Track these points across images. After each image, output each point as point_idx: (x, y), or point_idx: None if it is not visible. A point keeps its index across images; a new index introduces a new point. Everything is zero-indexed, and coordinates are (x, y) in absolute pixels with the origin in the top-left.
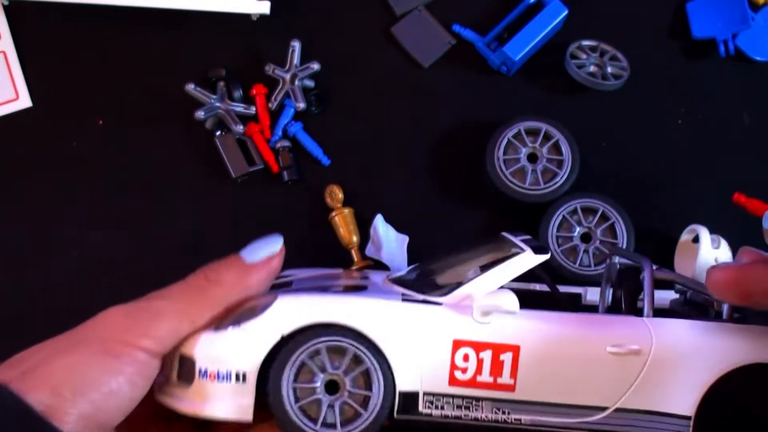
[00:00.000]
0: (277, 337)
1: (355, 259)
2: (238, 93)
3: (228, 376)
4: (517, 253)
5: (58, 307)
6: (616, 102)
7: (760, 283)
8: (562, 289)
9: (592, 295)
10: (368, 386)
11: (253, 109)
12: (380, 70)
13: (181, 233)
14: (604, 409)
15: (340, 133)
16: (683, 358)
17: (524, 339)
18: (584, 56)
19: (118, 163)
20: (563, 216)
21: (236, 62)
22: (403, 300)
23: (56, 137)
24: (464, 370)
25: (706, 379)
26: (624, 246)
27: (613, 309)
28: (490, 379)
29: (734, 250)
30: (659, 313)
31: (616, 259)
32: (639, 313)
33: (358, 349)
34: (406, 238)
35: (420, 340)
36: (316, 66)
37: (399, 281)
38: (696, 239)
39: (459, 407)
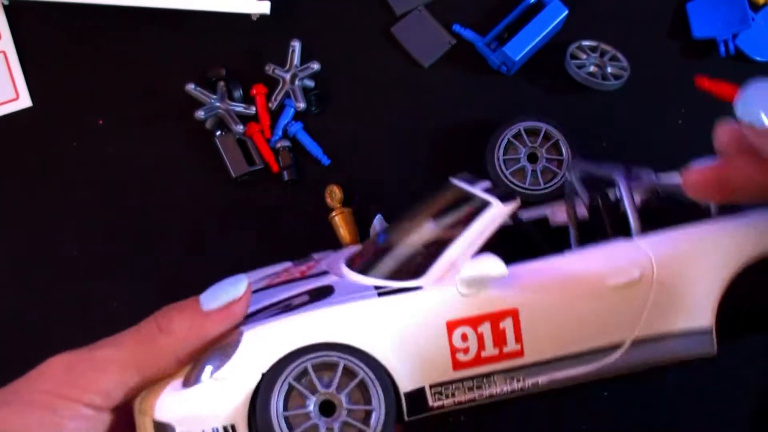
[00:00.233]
0: (257, 377)
1: None
2: (238, 93)
3: None
4: (483, 207)
5: (59, 307)
6: (616, 102)
7: (741, 179)
8: (524, 215)
9: (554, 214)
10: (367, 400)
11: (253, 109)
12: (380, 70)
13: (181, 233)
14: (620, 345)
15: (340, 133)
16: (689, 270)
17: (520, 299)
18: (584, 56)
19: (118, 163)
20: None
21: (236, 62)
22: (380, 295)
23: (56, 137)
24: (466, 351)
25: (718, 284)
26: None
27: (589, 226)
28: (495, 351)
29: None
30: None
31: (572, 175)
32: (623, 228)
33: (348, 361)
34: None
35: (411, 333)
36: (316, 66)
37: (362, 267)
38: None
39: (470, 389)
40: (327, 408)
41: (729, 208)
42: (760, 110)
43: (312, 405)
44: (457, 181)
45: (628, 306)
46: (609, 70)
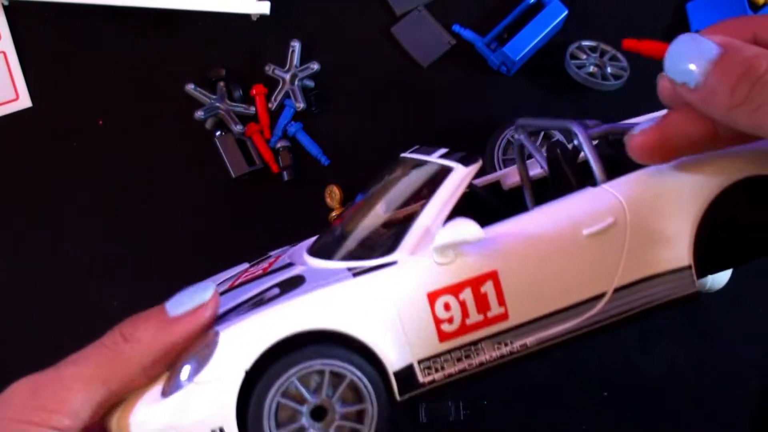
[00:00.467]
0: (241, 376)
1: None
2: (238, 93)
3: None
4: (446, 173)
5: (59, 307)
6: (616, 102)
7: (682, 137)
8: (476, 182)
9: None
10: (358, 398)
11: (253, 109)
12: (380, 70)
13: (181, 233)
14: (602, 296)
15: (340, 133)
16: (659, 210)
17: (498, 261)
18: (584, 56)
19: (118, 163)
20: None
21: (236, 62)
22: (355, 275)
23: (56, 137)
24: (450, 320)
25: (690, 220)
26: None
27: (550, 181)
28: (480, 317)
29: None
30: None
31: (520, 135)
32: (586, 177)
33: (333, 366)
34: None
35: (392, 309)
36: (316, 66)
37: (328, 253)
38: None
39: (459, 360)
40: (318, 412)
41: None
42: (687, 63)
43: (304, 417)
44: (410, 155)
45: (606, 254)
46: (609, 70)
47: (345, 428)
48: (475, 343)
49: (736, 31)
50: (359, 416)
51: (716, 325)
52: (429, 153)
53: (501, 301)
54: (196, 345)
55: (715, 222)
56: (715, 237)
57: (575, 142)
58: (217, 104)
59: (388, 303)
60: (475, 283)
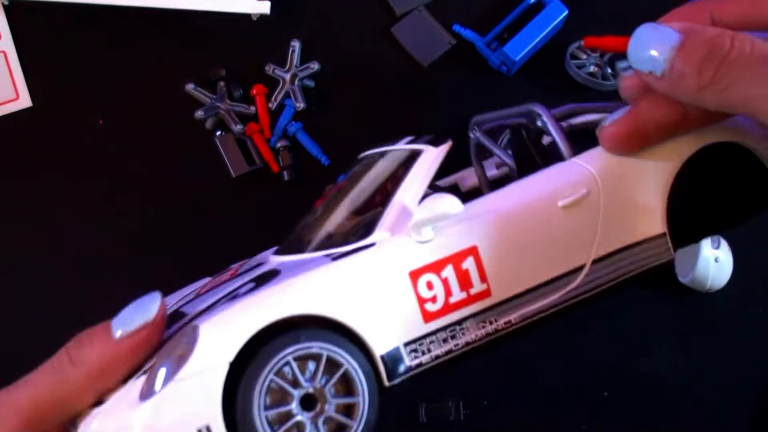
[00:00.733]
0: (225, 368)
1: None
2: (238, 93)
3: None
4: (416, 156)
5: (59, 307)
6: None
7: (655, 123)
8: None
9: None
10: (349, 391)
11: (253, 109)
12: (380, 70)
13: (181, 233)
14: (581, 268)
15: (340, 133)
16: (631, 179)
17: (477, 236)
18: (584, 56)
19: (118, 163)
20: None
21: (236, 62)
22: (333, 260)
23: (56, 137)
24: (434, 299)
25: (661, 189)
26: None
27: (518, 165)
28: (464, 295)
29: (734, 250)
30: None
31: (477, 134)
32: (553, 158)
33: (331, 352)
34: None
35: (375, 291)
36: (316, 66)
37: (300, 249)
38: None
39: (445, 340)
40: (307, 401)
41: None
42: (651, 52)
43: (295, 402)
44: (371, 151)
45: (582, 226)
46: (609, 70)
47: (333, 420)
48: (459, 322)
49: (694, 15)
50: (347, 410)
51: (716, 325)
52: (394, 143)
53: (483, 278)
54: (175, 341)
55: (685, 189)
56: (686, 203)
57: (539, 123)
58: (217, 104)
59: (370, 285)
60: (456, 259)
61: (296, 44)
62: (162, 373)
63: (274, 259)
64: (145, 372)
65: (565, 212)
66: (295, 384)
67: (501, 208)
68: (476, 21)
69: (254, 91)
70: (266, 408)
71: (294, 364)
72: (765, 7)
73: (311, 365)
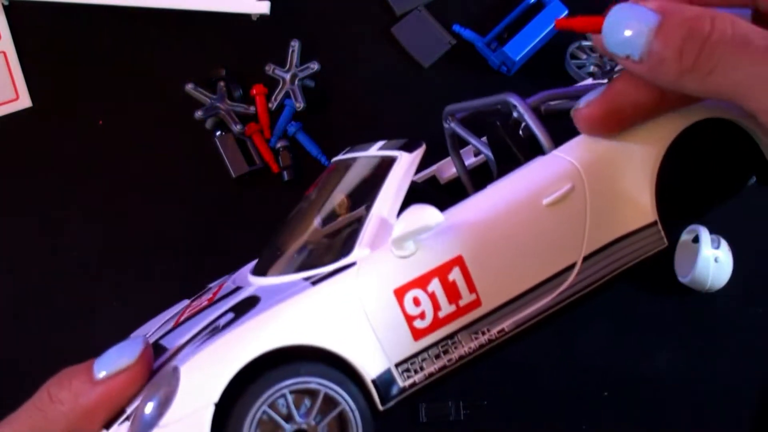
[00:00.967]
0: (210, 410)
1: None
2: (238, 93)
3: None
4: (390, 164)
5: (59, 307)
6: None
7: (630, 104)
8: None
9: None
10: (338, 414)
11: (253, 109)
12: (380, 70)
13: (181, 233)
14: (573, 266)
15: (339, 133)
16: (616, 168)
17: (461, 245)
18: (584, 56)
19: (118, 163)
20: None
21: (236, 62)
22: (313, 284)
23: (56, 137)
24: (422, 316)
25: (648, 175)
26: None
27: (498, 158)
28: (453, 308)
29: (734, 251)
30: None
31: (451, 123)
32: (532, 149)
33: (328, 389)
34: None
35: (359, 313)
36: (315, 66)
37: (277, 270)
38: (696, 239)
39: (438, 356)
40: None
41: None
42: (625, 31)
43: None
44: (345, 155)
45: (569, 222)
46: (608, 68)
47: None
48: (451, 336)
49: None
50: (341, 426)
51: (716, 325)
52: (366, 149)
53: (471, 288)
54: (156, 383)
55: (671, 172)
56: (674, 187)
57: (515, 114)
58: (217, 104)
59: (354, 307)
60: (442, 272)
61: (296, 44)
62: (145, 419)
63: (253, 282)
64: (127, 418)
65: (550, 210)
66: (288, 418)
67: (484, 213)
68: (476, 21)
69: (254, 91)
70: None
71: (289, 398)
72: None
73: (295, 398)
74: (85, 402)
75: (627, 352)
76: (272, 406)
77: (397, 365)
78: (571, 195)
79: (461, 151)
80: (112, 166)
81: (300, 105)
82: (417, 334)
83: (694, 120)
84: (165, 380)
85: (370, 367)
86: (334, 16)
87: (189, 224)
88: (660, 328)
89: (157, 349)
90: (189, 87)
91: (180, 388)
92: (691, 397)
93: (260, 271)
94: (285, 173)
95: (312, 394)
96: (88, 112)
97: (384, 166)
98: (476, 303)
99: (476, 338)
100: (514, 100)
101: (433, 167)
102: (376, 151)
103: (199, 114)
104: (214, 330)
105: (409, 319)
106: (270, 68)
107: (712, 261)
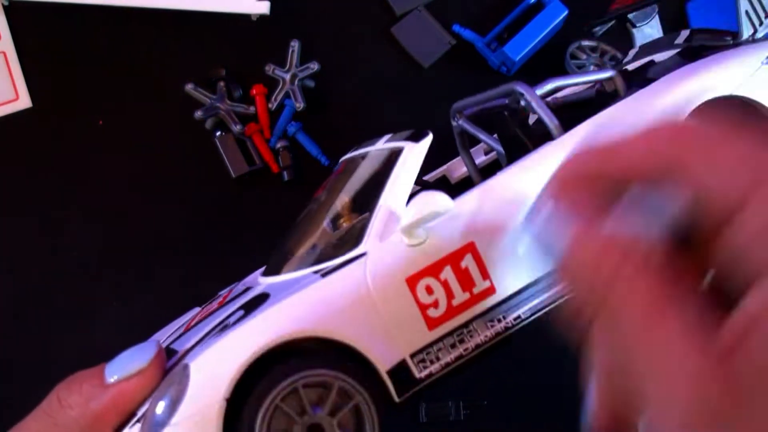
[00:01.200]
0: (221, 406)
1: None
2: (238, 93)
3: None
4: (396, 155)
5: (59, 307)
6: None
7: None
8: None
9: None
10: (359, 422)
11: (253, 109)
12: (380, 70)
13: (181, 233)
14: None
15: (339, 133)
16: None
17: (472, 231)
18: (584, 56)
19: (118, 163)
20: None
21: (236, 62)
22: (322, 276)
23: (56, 137)
24: (436, 304)
25: None
26: None
27: (507, 149)
28: (467, 295)
29: None
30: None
31: (460, 121)
32: (541, 138)
33: (343, 381)
34: None
35: (371, 303)
36: (316, 66)
37: (287, 268)
38: None
39: (453, 346)
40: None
41: (637, 85)
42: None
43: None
44: (353, 153)
45: None
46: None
47: None
48: (466, 324)
49: (584, 182)
50: (357, 420)
51: None
52: (373, 143)
53: (485, 275)
54: (166, 382)
55: None
56: None
57: (522, 103)
58: (217, 104)
59: (366, 297)
60: (454, 259)
61: (296, 44)
62: (157, 419)
63: (263, 281)
64: (138, 420)
65: None
66: (302, 413)
67: (495, 200)
68: (476, 21)
69: (254, 91)
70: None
71: (302, 392)
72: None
73: (310, 391)
74: (97, 406)
75: None
76: (285, 400)
77: (412, 356)
78: None
79: (471, 150)
80: (112, 166)
81: (300, 105)
82: (431, 323)
83: (716, 95)
84: (176, 378)
85: (384, 359)
86: (334, 16)
87: (189, 224)
88: None
89: (168, 353)
90: (189, 87)
91: (190, 386)
92: None
93: (270, 272)
94: (285, 173)
95: (325, 387)
96: (87, 112)
97: (391, 158)
98: (490, 290)
99: (492, 326)
100: (521, 88)
101: (444, 167)
102: (383, 144)
103: (199, 114)
104: (223, 328)
105: (423, 308)
106: (270, 68)
107: None
